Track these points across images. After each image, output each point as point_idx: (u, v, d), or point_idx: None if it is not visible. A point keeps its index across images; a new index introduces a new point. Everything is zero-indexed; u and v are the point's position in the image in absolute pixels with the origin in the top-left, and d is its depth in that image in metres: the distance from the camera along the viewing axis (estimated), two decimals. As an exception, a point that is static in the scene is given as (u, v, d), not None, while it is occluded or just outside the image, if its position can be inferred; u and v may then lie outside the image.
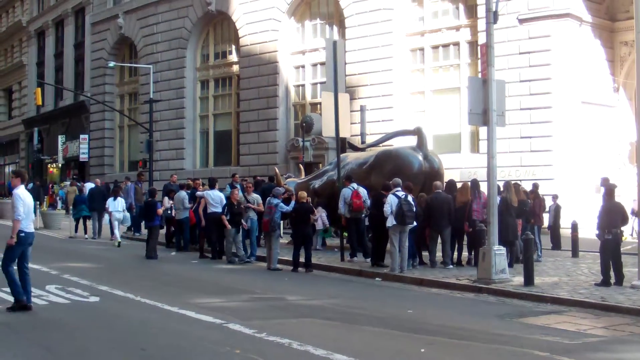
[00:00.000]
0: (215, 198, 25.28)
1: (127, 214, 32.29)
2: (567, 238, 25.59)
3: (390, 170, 23.90)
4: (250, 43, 47.22)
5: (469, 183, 22.61)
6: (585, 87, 35.55)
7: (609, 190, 18.01)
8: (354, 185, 23.28)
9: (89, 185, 37.15)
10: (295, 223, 22.65)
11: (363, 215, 23.10)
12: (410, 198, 20.16)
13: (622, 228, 18.08)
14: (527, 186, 25.75)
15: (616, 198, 18.42)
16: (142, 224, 31.15)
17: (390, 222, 20.10)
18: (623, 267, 17.84)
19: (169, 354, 11.23)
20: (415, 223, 20.33)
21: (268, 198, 23.17)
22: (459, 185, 23.11)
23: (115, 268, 23.02)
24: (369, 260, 22.42)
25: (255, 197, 24.91)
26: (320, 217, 25.73)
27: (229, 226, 23.66)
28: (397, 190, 20.23)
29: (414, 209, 20.09)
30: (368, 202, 22.66)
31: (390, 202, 20.06)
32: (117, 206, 31.19)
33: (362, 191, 23.07)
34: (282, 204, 22.59)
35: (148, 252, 25.69)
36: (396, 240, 20.29)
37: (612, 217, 17.66)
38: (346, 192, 23.12)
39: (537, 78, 34.57)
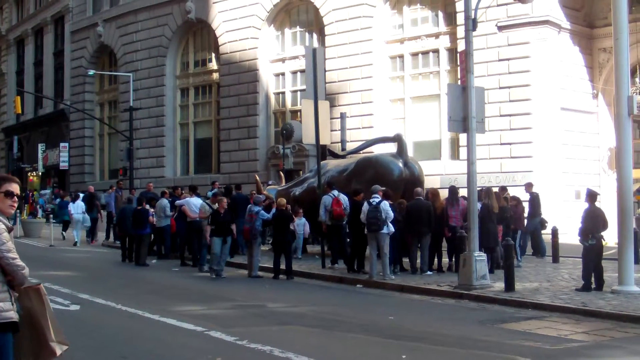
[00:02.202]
0: (198, 205, 25.19)
1: (87, 216, 34.58)
2: (547, 244, 25.63)
3: (371, 177, 23.85)
4: (230, 51, 47.23)
5: (438, 190, 22.99)
6: (564, 94, 35.74)
7: (591, 196, 18.06)
8: (335, 192, 23.21)
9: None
10: (275, 230, 22.55)
11: (344, 222, 22.99)
12: (383, 204, 20.01)
13: (602, 233, 18.14)
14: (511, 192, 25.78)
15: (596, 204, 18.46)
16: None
17: (365, 230, 20.20)
18: (604, 273, 17.90)
19: (150, 362, 11.18)
20: (385, 230, 20.09)
21: (249, 206, 23.10)
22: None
23: (96, 276, 22.92)
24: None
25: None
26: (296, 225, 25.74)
27: (208, 238, 22.91)
28: (373, 197, 20.21)
29: (380, 215, 19.89)
30: (349, 209, 22.58)
31: (364, 210, 20.13)
32: (77, 209, 33.92)
33: (343, 198, 22.97)
34: (262, 212, 22.50)
35: (137, 260, 25.90)
36: (371, 247, 20.31)
37: (595, 222, 17.71)
38: (327, 200, 23.06)
39: (516, 84, 34.72)
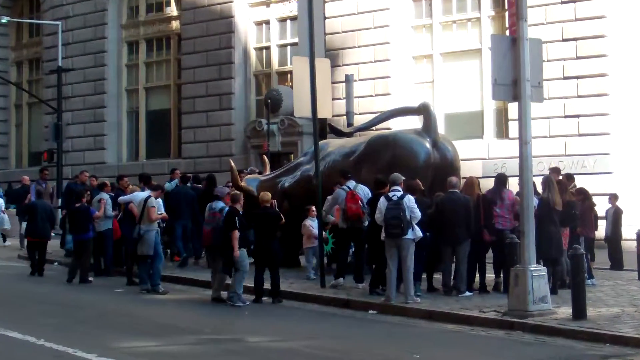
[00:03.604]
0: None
1: (5, 216, 36.23)
2: (631, 253, 25.53)
3: (388, 163, 23.82)
4: (195, -9, 47.22)
5: (475, 179, 22.91)
6: (653, 48, 35.60)
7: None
8: (351, 183, 22.94)
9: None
10: (257, 236, 22.28)
11: (365, 224, 22.63)
12: (407, 200, 19.78)
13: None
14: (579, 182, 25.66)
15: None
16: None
17: (382, 234, 19.98)
18: None
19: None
20: (409, 234, 19.80)
21: (209, 203, 22.88)
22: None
23: (10, 300, 22.81)
24: (360, 285, 22.36)
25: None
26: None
27: (237, 252, 21.22)
28: (393, 190, 20.03)
29: (403, 215, 19.61)
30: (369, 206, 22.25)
31: (380, 207, 19.92)
32: None
33: (363, 191, 22.65)
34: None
35: (72, 275, 25.97)
36: (390, 259, 20.07)
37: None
38: (340, 194, 22.84)
39: (586, 36, 34.60)
